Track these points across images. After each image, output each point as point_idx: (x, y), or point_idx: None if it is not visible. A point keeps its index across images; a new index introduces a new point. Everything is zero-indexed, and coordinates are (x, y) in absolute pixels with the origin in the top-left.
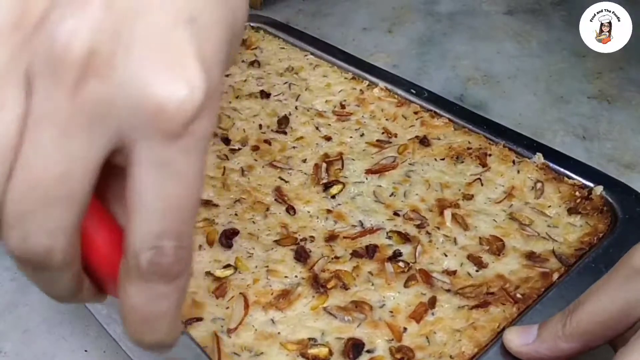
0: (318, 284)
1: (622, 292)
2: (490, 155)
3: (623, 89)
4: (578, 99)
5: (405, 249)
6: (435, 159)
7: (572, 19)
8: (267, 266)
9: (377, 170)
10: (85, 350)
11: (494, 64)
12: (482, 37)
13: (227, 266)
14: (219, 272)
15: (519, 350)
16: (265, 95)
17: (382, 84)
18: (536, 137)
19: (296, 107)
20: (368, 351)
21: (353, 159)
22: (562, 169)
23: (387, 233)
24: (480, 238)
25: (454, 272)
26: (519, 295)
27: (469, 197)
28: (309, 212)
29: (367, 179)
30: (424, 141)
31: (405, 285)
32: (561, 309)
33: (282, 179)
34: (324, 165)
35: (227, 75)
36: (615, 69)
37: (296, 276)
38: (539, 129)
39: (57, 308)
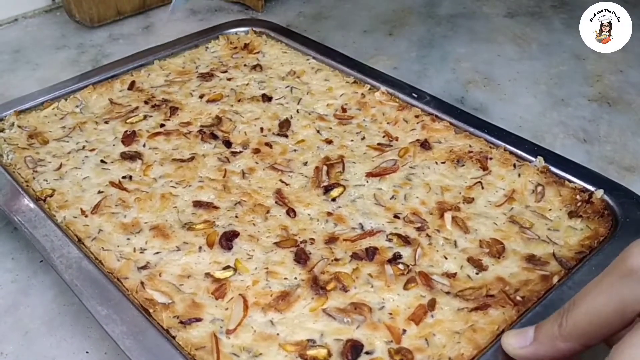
0: (318, 286)
1: (616, 292)
2: (491, 158)
3: (623, 91)
4: (578, 101)
5: (405, 252)
6: (436, 162)
7: (572, 21)
8: (267, 268)
9: (377, 174)
10: (87, 352)
11: (494, 66)
12: (482, 39)
13: (227, 267)
14: (219, 274)
15: (517, 354)
16: (267, 98)
17: (383, 87)
18: (536, 139)
19: (297, 111)
20: (367, 353)
21: (354, 162)
22: (563, 173)
23: (387, 235)
24: (480, 241)
25: (454, 275)
26: (518, 298)
27: (469, 201)
28: (309, 214)
29: (367, 182)
30: (424, 144)
31: (405, 288)
32: None
33: (282, 182)
34: (325, 168)
35: (229, 79)
36: (615, 72)
37: (296, 278)
38: (539, 131)
39: (58, 310)
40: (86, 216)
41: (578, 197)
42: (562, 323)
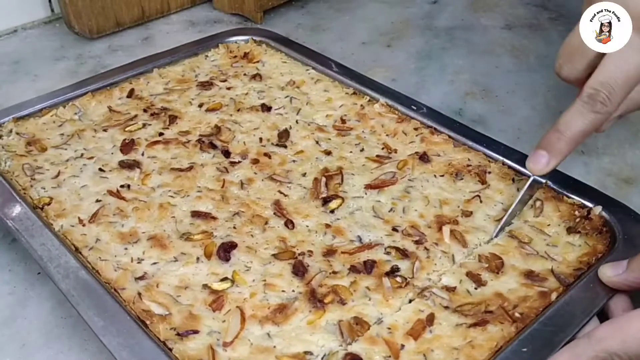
0: (315, 299)
1: None
2: (489, 172)
3: None
4: None
5: (404, 265)
6: (435, 176)
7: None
8: (265, 280)
9: (376, 186)
10: None
11: (492, 78)
12: (480, 51)
13: (225, 279)
14: (216, 285)
15: (612, 281)
16: (266, 108)
17: (382, 99)
18: None
19: (297, 121)
20: None
21: (353, 174)
22: (561, 189)
23: (385, 248)
24: (479, 255)
25: (453, 289)
26: (517, 315)
27: (467, 214)
28: (307, 226)
29: (366, 194)
30: (423, 157)
31: (403, 301)
32: (560, 328)
33: (281, 193)
34: (324, 179)
35: (228, 89)
36: None
37: (293, 290)
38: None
39: (55, 322)
40: (84, 225)
41: (577, 212)
42: None
